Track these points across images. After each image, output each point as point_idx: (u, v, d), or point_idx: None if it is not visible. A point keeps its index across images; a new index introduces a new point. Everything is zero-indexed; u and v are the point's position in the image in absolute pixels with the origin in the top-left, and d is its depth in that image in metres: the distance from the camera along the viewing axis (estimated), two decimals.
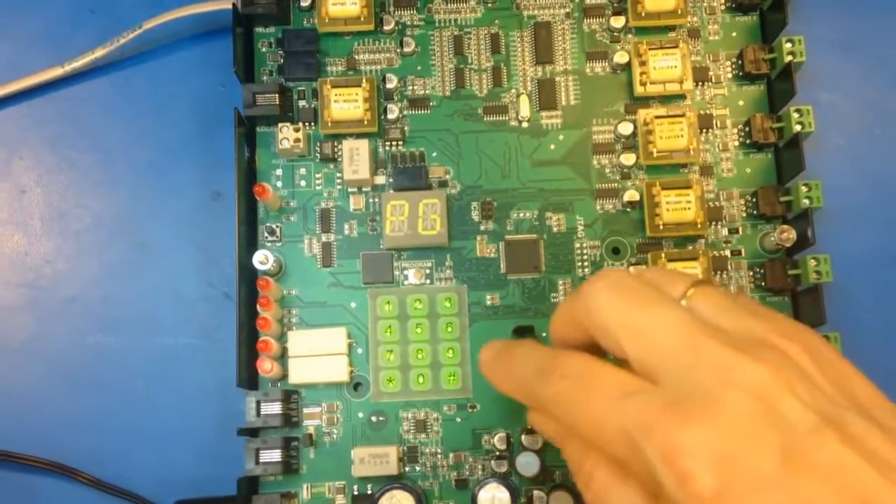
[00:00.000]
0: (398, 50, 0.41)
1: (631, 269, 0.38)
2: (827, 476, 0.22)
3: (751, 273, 0.39)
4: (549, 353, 0.28)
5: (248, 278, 0.38)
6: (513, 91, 0.41)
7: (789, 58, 0.39)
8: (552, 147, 0.40)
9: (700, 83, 0.41)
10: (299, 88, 0.41)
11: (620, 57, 0.40)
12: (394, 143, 0.40)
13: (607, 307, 0.26)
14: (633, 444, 0.24)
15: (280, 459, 0.36)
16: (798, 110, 0.38)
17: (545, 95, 0.41)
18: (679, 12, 0.40)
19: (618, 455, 0.25)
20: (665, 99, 0.40)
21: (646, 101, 0.40)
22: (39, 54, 0.42)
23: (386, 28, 0.41)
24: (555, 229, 0.40)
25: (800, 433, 0.22)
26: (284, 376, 0.38)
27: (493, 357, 0.32)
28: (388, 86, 0.40)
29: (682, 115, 0.39)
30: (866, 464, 0.22)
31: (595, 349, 0.28)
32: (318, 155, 0.40)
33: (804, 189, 0.38)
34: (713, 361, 0.23)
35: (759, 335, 0.25)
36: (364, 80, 0.39)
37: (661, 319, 0.25)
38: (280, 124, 0.39)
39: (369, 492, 0.37)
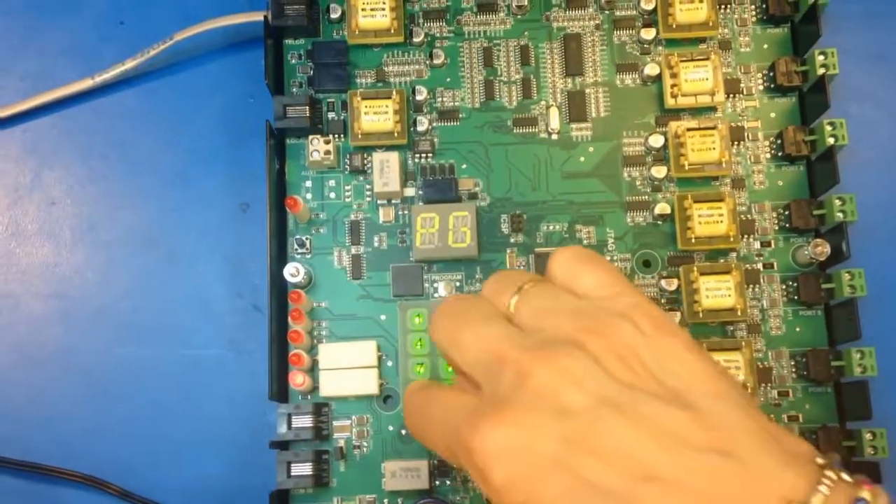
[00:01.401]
0: (428, 62, 0.41)
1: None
2: (608, 456, 0.24)
3: (783, 286, 0.39)
4: (415, 388, 0.32)
5: (279, 290, 0.38)
6: (542, 103, 0.41)
7: (822, 70, 0.38)
8: (582, 159, 0.40)
9: (731, 95, 0.40)
10: (329, 100, 0.41)
11: (651, 69, 0.40)
12: (423, 155, 0.40)
13: (439, 332, 0.30)
14: (454, 454, 0.27)
15: (311, 473, 0.36)
16: (831, 123, 0.38)
17: (575, 107, 0.40)
18: (710, 24, 0.40)
19: (457, 463, 0.28)
20: (696, 111, 0.40)
21: (676, 113, 0.40)
22: (69, 66, 0.42)
23: (415, 40, 0.41)
24: (585, 242, 0.39)
25: (581, 419, 0.24)
26: (315, 389, 0.38)
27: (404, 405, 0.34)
28: (418, 98, 0.40)
29: (714, 128, 0.39)
30: (652, 441, 0.24)
31: None
32: (347, 167, 0.40)
33: (838, 203, 0.37)
34: (511, 368, 0.26)
35: (568, 333, 0.27)
36: (394, 92, 0.39)
37: (477, 337, 0.28)
38: (310, 136, 0.39)
39: None
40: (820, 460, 0.25)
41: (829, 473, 0.24)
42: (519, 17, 0.41)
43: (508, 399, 0.26)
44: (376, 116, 0.39)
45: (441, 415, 0.29)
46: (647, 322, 0.27)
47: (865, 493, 0.23)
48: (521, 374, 0.26)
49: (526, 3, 0.41)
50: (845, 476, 0.24)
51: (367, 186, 0.40)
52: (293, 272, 0.38)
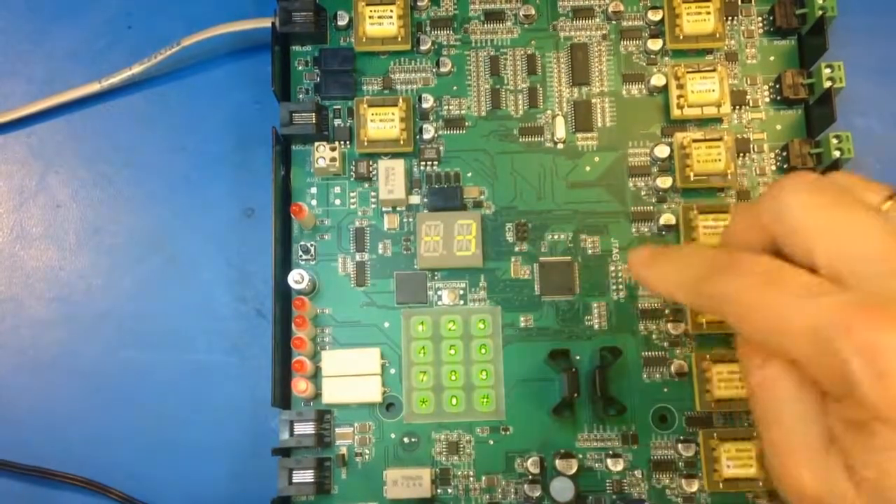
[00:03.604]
0: (434, 70, 0.41)
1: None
2: None
3: None
4: (726, 252, 0.27)
5: (283, 297, 0.38)
6: (548, 112, 0.41)
7: (828, 83, 0.38)
8: (587, 169, 0.40)
9: (737, 107, 0.40)
10: (335, 107, 0.41)
11: (657, 79, 0.40)
12: (429, 162, 0.40)
13: (802, 208, 0.25)
14: (823, 342, 0.23)
15: (313, 480, 0.36)
16: (837, 136, 0.38)
17: (581, 117, 0.40)
18: (717, 35, 0.40)
19: (801, 354, 0.24)
20: (702, 122, 0.40)
21: (682, 124, 0.40)
22: (76, 70, 0.42)
23: (422, 48, 0.41)
24: (590, 251, 0.39)
25: None
26: (317, 395, 0.38)
27: (649, 257, 0.31)
28: (424, 105, 0.40)
29: (720, 139, 0.39)
30: None
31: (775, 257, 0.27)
32: (353, 174, 0.40)
33: None
34: None
35: None
36: (400, 100, 0.39)
37: (859, 224, 0.24)
38: (316, 143, 0.39)
39: None
40: None
41: None
42: (526, 26, 0.41)
43: None
44: (382, 124, 0.39)
45: (801, 292, 0.24)
46: None
47: None
48: None
49: (533, 12, 0.41)
50: None
51: (373, 193, 0.40)
52: (297, 278, 0.38)
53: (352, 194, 0.40)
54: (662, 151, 0.40)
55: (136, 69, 0.41)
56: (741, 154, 0.40)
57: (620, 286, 0.39)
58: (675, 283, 0.29)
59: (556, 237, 0.39)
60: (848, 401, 0.23)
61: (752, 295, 0.25)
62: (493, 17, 0.41)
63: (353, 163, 0.40)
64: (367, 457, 0.38)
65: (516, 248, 0.39)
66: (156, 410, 0.39)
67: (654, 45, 0.41)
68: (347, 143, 0.40)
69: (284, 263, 0.39)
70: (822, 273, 0.25)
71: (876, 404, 0.22)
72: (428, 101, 0.40)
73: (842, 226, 0.25)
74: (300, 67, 0.41)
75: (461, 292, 0.39)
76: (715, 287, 0.27)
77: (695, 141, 0.39)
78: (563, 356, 0.38)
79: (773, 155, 0.40)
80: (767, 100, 0.41)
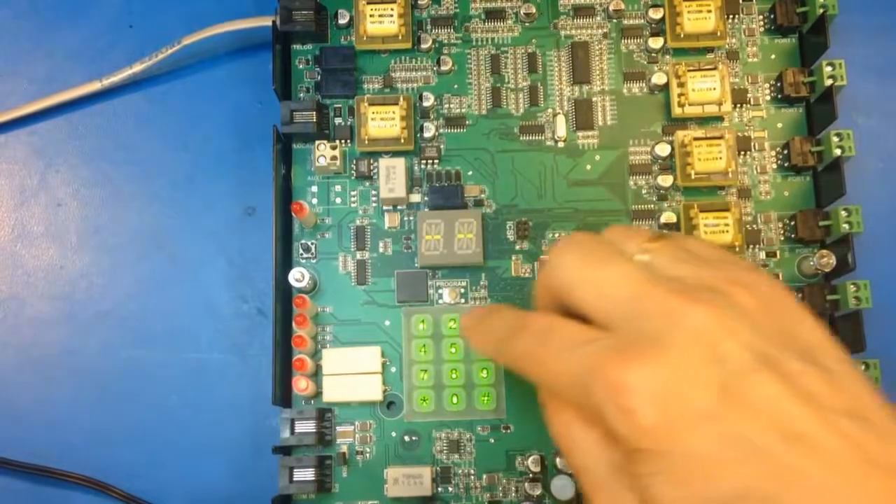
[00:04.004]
0: (435, 68, 0.41)
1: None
2: (760, 411, 0.23)
3: None
4: (519, 314, 0.30)
5: (284, 295, 0.38)
6: (549, 111, 0.41)
7: (829, 81, 0.38)
8: (588, 167, 0.40)
9: (738, 105, 0.40)
10: (336, 106, 0.41)
11: (658, 78, 0.40)
12: (430, 161, 0.40)
13: (567, 266, 0.28)
14: (583, 388, 0.25)
15: (314, 478, 0.36)
16: (838, 134, 0.38)
17: (582, 115, 0.40)
18: (718, 34, 0.40)
19: (574, 401, 0.27)
20: (703, 121, 0.40)
21: (683, 122, 0.40)
22: (77, 69, 0.42)
23: (423, 46, 0.41)
24: None
25: (737, 372, 0.24)
26: (318, 394, 0.38)
27: (472, 322, 0.33)
28: (425, 104, 0.40)
29: (721, 137, 0.39)
30: (798, 400, 0.23)
31: (569, 314, 0.29)
32: (353, 172, 0.40)
33: (844, 214, 0.37)
34: (659, 308, 0.25)
35: (709, 282, 0.26)
36: (401, 98, 0.39)
37: (613, 273, 0.27)
38: (317, 142, 0.39)
39: None
40: None
41: None
42: (527, 24, 0.41)
43: (661, 339, 0.24)
44: (383, 122, 0.39)
45: (568, 343, 0.27)
46: (771, 284, 0.27)
47: None
48: (670, 313, 0.25)
49: (534, 10, 0.41)
50: None
51: (373, 192, 0.40)
52: (298, 277, 0.38)
53: (352, 193, 0.40)
54: (663, 150, 0.40)
55: (137, 68, 0.41)
56: (742, 152, 0.40)
57: None
58: (489, 346, 0.32)
59: (556, 235, 0.39)
60: (619, 441, 0.25)
61: (532, 352, 0.28)
62: (493, 15, 0.41)
63: (354, 161, 0.40)
64: (367, 455, 0.38)
65: (517, 247, 0.39)
66: (157, 409, 0.39)
67: (655, 43, 0.41)
68: (348, 141, 0.40)
69: (285, 262, 0.39)
70: (594, 322, 0.27)
71: (627, 438, 0.24)
72: (429, 100, 0.40)
73: (598, 277, 0.27)
74: (301, 66, 0.41)
75: (462, 291, 0.39)
76: (508, 347, 0.30)
77: (696, 139, 0.39)
78: None
79: (774, 153, 0.40)
80: (768, 98, 0.41)
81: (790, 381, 0.24)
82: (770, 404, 0.23)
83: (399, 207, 0.40)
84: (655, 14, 0.41)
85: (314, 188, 0.40)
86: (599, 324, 0.27)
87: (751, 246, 0.39)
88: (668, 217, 0.39)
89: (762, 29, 0.41)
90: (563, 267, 0.29)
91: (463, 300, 0.39)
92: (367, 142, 0.39)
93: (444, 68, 0.41)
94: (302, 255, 0.39)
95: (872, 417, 0.24)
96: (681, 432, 0.23)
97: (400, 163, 0.39)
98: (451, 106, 0.41)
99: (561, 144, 0.40)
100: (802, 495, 0.22)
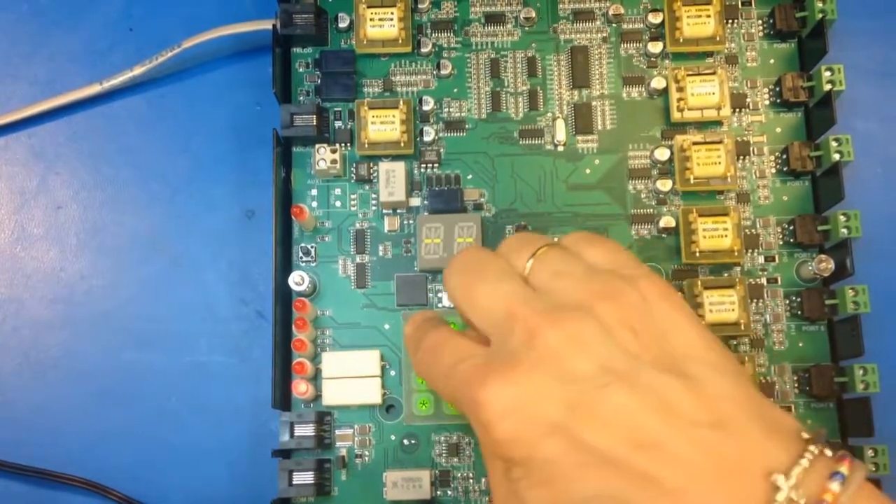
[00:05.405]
0: (435, 72, 0.41)
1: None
2: (609, 422, 0.25)
3: (787, 302, 0.39)
4: (423, 326, 0.32)
5: (283, 298, 0.38)
6: (549, 115, 0.41)
7: (828, 86, 0.39)
8: (588, 171, 0.40)
9: (737, 110, 0.40)
10: (336, 109, 0.41)
11: (658, 82, 0.40)
12: (429, 165, 0.40)
13: (453, 283, 0.31)
14: (460, 404, 0.28)
15: (313, 482, 0.36)
16: (837, 139, 0.38)
17: (581, 119, 0.41)
18: (717, 38, 0.40)
19: (462, 413, 0.28)
20: (702, 125, 0.40)
21: (682, 126, 0.40)
22: (78, 71, 0.42)
23: (423, 50, 0.41)
24: None
25: (585, 387, 0.25)
26: (317, 397, 0.38)
27: (409, 329, 0.34)
28: (425, 108, 0.40)
29: (720, 142, 0.39)
30: (649, 411, 0.25)
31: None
32: (353, 176, 0.40)
33: (843, 218, 0.37)
34: (521, 327, 0.27)
35: (580, 298, 0.27)
36: (401, 102, 0.39)
37: (491, 292, 0.29)
38: (317, 145, 0.39)
39: None
40: (805, 435, 0.25)
41: (812, 448, 0.25)
42: (526, 28, 0.41)
43: (516, 357, 0.27)
44: (383, 126, 0.39)
45: (451, 360, 0.29)
46: (653, 290, 0.28)
47: (843, 468, 0.24)
48: (530, 333, 0.27)
49: (534, 15, 0.41)
50: (827, 451, 0.25)
51: (373, 196, 0.40)
52: (298, 280, 0.38)
53: (352, 196, 0.40)
54: (662, 154, 0.40)
55: (138, 71, 0.41)
56: (741, 157, 0.40)
57: None
58: (410, 354, 0.33)
59: (556, 239, 0.39)
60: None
61: (425, 365, 0.31)
62: (493, 19, 0.41)
63: (354, 165, 0.40)
64: (367, 458, 0.38)
65: None
66: (156, 411, 0.40)
67: (655, 47, 0.41)
68: (348, 145, 0.40)
69: (285, 265, 0.39)
70: (478, 334, 0.29)
71: (492, 450, 0.27)
72: (428, 104, 0.40)
73: (476, 295, 0.29)
74: (301, 69, 0.41)
75: None
76: (413, 357, 0.32)
77: (695, 144, 0.39)
78: None
79: (773, 158, 0.40)
80: (767, 103, 0.41)
81: (642, 392, 0.25)
82: (618, 415, 0.25)
83: (399, 211, 0.40)
84: (655, 18, 0.41)
85: (314, 191, 0.40)
86: (483, 338, 0.29)
87: (749, 250, 0.39)
88: (667, 221, 0.39)
89: (761, 34, 0.41)
90: (449, 285, 0.31)
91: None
92: (366, 145, 0.39)
93: (443, 72, 0.41)
94: (302, 258, 0.39)
95: (734, 424, 0.25)
96: (535, 442, 0.25)
97: (400, 166, 0.39)
98: (451, 110, 0.41)
99: (560, 148, 0.40)
100: (654, 497, 0.24)
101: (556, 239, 0.32)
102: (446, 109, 0.41)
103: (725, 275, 0.39)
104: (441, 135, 0.40)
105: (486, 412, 0.26)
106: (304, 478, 0.36)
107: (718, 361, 0.27)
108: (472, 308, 0.29)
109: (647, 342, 0.27)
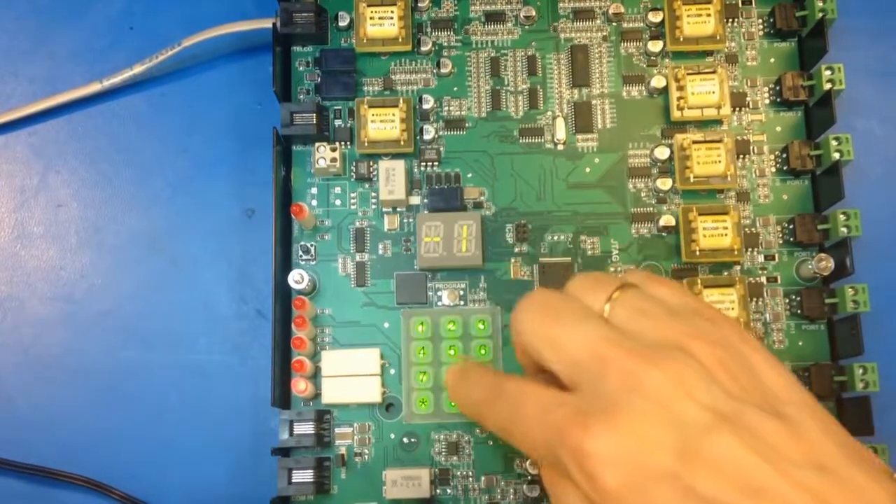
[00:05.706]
0: (435, 71, 0.41)
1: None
2: (719, 468, 0.24)
3: (786, 300, 0.39)
4: (495, 379, 0.31)
5: (283, 297, 0.38)
6: (549, 113, 0.41)
7: (828, 85, 0.39)
8: (587, 170, 0.40)
9: (737, 109, 0.40)
10: (336, 108, 0.41)
11: (658, 81, 0.40)
12: (429, 163, 0.40)
13: (528, 327, 0.29)
14: (555, 453, 0.26)
15: (312, 480, 0.36)
16: (837, 138, 0.38)
17: (581, 118, 0.41)
18: (717, 37, 0.40)
19: (553, 464, 0.27)
20: (702, 124, 0.40)
21: (682, 125, 0.40)
22: (78, 70, 0.43)
23: (423, 49, 0.41)
24: (589, 252, 0.39)
25: (694, 431, 0.24)
26: (317, 396, 0.38)
27: (453, 381, 0.34)
28: (425, 106, 0.40)
29: (720, 141, 0.39)
30: (757, 455, 0.24)
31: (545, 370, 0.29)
32: (353, 174, 0.40)
33: (842, 217, 0.37)
34: (617, 370, 0.26)
35: (671, 337, 0.26)
36: (401, 101, 0.39)
37: (573, 334, 0.27)
38: (317, 144, 0.39)
39: None
40: None
41: None
42: (526, 27, 0.41)
43: (619, 403, 0.25)
44: (383, 124, 0.39)
45: (536, 410, 0.28)
46: (734, 332, 0.27)
47: None
48: (630, 376, 0.25)
49: (534, 13, 0.41)
50: None
51: (373, 194, 0.40)
52: (297, 279, 0.38)
53: (352, 195, 0.40)
54: (662, 153, 0.40)
55: (138, 69, 0.41)
56: (741, 156, 0.40)
57: None
58: (472, 411, 0.33)
59: (555, 238, 0.40)
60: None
61: (508, 420, 0.29)
62: (493, 18, 0.41)
63: (354, 163, 0.40)
64: (366, 457, 0.38)
65: (516, 249, 0.40)
66: (156, 410, 0.40)
67: (655, 46, 0.41)
68: (348, 143, 0.40)
69: (285, 263, 0.39)
70: (561, 379, 0.28)
71: (596, 500, 0.25)
72: (428, 102, 0.40)
73: (558, 339, 0.28)
74: (301, 68, 0.41)
75: (461, 293, 0.39)
76: (487, 413, 0.31)
77: (695, 142, 0.39)
78: None
79: (772, 157, 0.40)
80: (767, 102, 0.41)
81: (748, 436, 0.24)
82: (728, 461, 0.24)
83: (399, 209, 0.40)
84: (655, 17, 0.41)
85: (314, 190, 0.40)
86: (567, 382, 0.27)
87: (749, 249, 0.39)
88: (666, 220, 0.39)
89: (761, 33, 0.41)
90: (524, 330, 0.29)
91: (462, 302, 0.39)
92: (366, 144, 0.39)
93: (443, 71, 0.41)
94: (301, 256, 0.39)
95: (832, 464, 0.24)
96: (643, 492, 0.24)
97: (399, 165, 0.39)
98: (451, 108, 0.41)
99: (560, 147, 0.40)
100: None
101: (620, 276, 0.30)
102: (446, 108, 0.41)
103: (725, 274, 0.39)
104: (441, 133, 0.40)
105: (591, 462, 0.25)
106: (304, 476, 0.36)
107: (808, 402, 0.26)
108: (555, 352, 0.28)
109: (745, 383, 0.26)
